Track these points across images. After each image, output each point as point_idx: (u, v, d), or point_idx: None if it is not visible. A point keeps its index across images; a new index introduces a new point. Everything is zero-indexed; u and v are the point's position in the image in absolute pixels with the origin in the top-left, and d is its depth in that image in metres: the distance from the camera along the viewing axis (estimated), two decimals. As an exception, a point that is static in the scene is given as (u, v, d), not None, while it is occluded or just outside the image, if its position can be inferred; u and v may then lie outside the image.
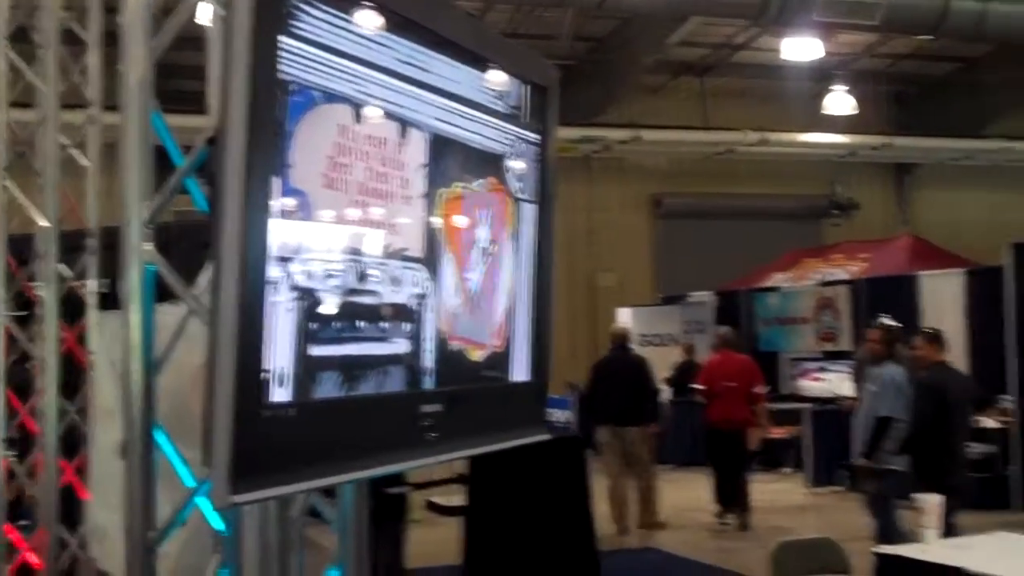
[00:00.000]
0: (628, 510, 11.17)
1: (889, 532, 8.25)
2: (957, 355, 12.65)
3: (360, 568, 3.02)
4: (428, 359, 2.88)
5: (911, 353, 8.88)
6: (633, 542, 10.58)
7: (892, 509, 8.45)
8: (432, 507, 8.78)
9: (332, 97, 2.47)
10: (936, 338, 9.25)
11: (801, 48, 15.17)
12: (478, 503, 8.00)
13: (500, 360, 3.24)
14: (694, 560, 9.94)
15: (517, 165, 3.23)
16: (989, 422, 11.98)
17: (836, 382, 14.23)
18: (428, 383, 2.88)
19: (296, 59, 2.35)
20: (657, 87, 19.23)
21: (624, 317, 17.44)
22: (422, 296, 2.82)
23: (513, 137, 3.21)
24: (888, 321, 9.52)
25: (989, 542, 6.06)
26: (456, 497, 8.28)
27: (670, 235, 20.14)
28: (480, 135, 3.05)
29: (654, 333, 17.32)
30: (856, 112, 18.17)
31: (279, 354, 2.37)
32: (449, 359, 2.96)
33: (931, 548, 5.71)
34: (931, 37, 15.98)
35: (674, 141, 18.91)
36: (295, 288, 2.42)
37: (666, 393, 14.81)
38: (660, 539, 10.80)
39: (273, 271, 2.34)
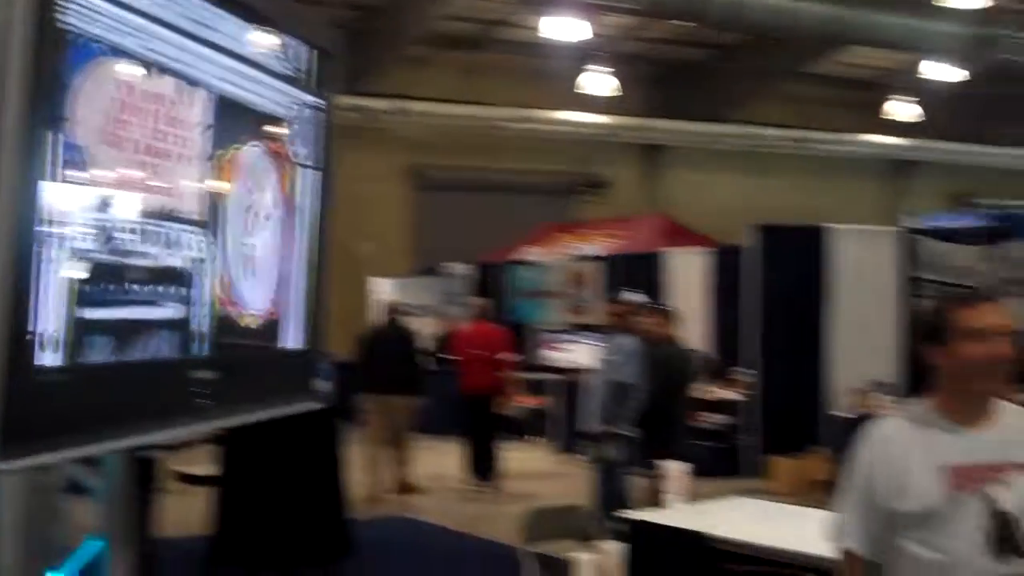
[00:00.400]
0: (385, 479, 11.27)
1: (617, 498, 8.65)
2: (699, 330, 13.27)
3: (125, 539, 2.94)
4: (202, 324, 2.81)
5: (645, 327, 9.29)
6: (388, 510, 10.62)
7: (621, 475, 8.87)
8: (182, 477, 8.57)
9: (116, 51, 2.37)
10: (669, 314, 9.75)
11: (566, 28, 15.44)
12: (230, 472, 7.87)
13: (274, 327, 3.20)
14: (446, 527, 10.07)
15: (301, 130, 3.19)
16: (725, 394, 12.59)
17: (582, 353, 14.62)
18: (201, 349, 2.82)
19: (78, 9, 2.25)
20: (424, 59, 19.23)
21: (381, 287, 17.44)
22: (199, 260, 2.75)
23: (298, 101, 3.16)
24: (631, 295, 9.92)
25: (727, 507, 6.35)
26: (204, 466, 8.12)
27: (430, 206, 20.21)
28: (265, 97, 2.99)
29: (411, 304, 17.37)
30: (617, 93, 18.66)
31: (50, 316, 2.28)
32: (223, 325, 2.90)
33: (675, 513, 5.96)
34: (691, 23, 16.58)
35: (437, 114, 18.98)
36: (68, 248, 2.33)
37: (427, 364, 14.94)
38: (413, 507, 10.89)
39: (46, 230, 2.24)
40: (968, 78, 19.23)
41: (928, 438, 3.05)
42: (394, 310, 12.07)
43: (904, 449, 3.05)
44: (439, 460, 12.57)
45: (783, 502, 7.05)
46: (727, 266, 13.37)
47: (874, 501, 3.05)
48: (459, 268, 18.04)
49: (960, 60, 18.32)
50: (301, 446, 7.81)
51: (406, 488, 11.40)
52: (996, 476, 2.97)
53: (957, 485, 2.96)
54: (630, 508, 7.05)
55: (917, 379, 11.11)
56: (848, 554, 3.11)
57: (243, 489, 7.78)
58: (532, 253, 18.01)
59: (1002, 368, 3.01)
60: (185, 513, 8.03)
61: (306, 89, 3.22)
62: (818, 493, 10.22)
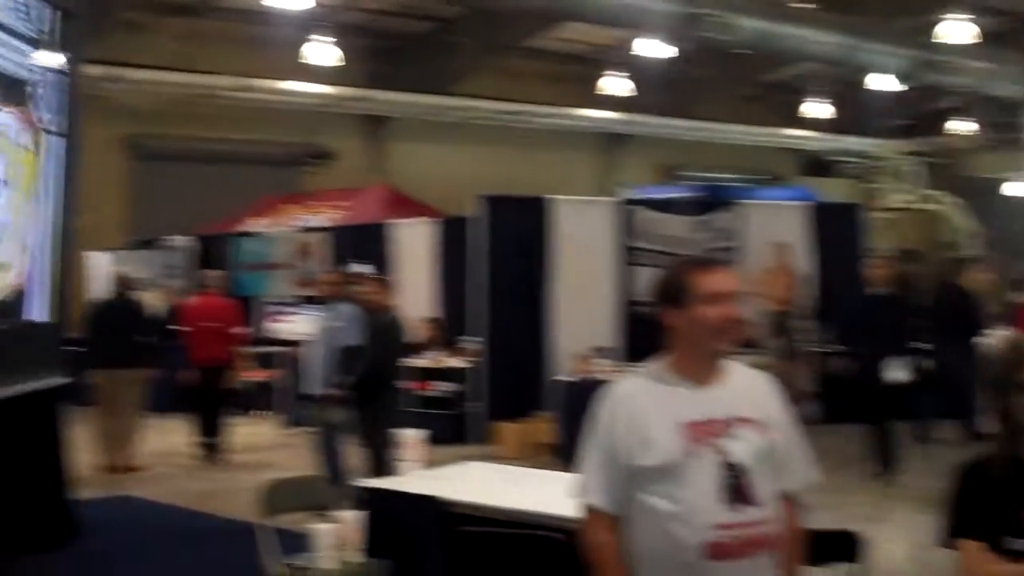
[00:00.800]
0: (113, 456, 10.96)
1: (341, 462, 8.86)
2: (427, 300, 13.45)
3: None
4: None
5: (363, 296, 9.46)
6: (114, 489, 10.27)
7: (343, 440, 9.06)
8: None
9: None
10: (386, 283, 9.97)
11: (289, -4, 15.21)
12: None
13: (19, 298, 3.07)
14: (174, 505, 9.83)
15: (46, 94, 3.06)
16: (453, 362, 12.80)
17: (307, 325, 14.52)
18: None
19: None
20: (142, 24, 18.50)
21: (98, 261, 16.77)
22: (-59, 230, 2.62)
23: (42, 64, 3.03)
24: (358, 267, 10.06)
25: (460, 472, 6.45)
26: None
27: (149, 177, 19.54)
28: (8, 60, 2.86)
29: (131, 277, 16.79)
30: (340, 64, 18.50)
31: None
32: (-34, 297, 2.77)
33: (411, 479, 6.03)
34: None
35: (156, 81, 18.31)
36: None
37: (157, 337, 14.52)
38: (139, 485, 10.58)
39: None
40: (676, 55, 20.08)
41: (665, 396, 3.21)
42: (123, 282, 11.68)
43: (643, 407, 3.20)
44: (167, 437, 12.27)
45: (511, 466, 7.22)
46: (453, 236, 13.56)
47: (616, 457, 3.19)
48: (179, 240, 17.55)
49: (669, 37, 19.10)
50: (19, 427, 7.45)
51: (133, 467, 11.09)
52: (727, 430, 3.18)
53: (693, 440, 3.15)
54: (354, 472, 7.09)
55: (636, 343, 11.64)
56: (591, 510, 3.25)
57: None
58: (256, 225, 17.72)
59: (733, 329, 3.22)
60: None
61: (50, 51, 3.09)
62: (543, 456, 10.59)
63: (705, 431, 3.15)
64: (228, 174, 19.78)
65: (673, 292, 3.23)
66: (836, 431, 11.06)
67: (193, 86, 18.64)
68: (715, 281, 3.22)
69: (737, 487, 3.13)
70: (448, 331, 13.20)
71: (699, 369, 3.23)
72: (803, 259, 13.63)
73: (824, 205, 15.85)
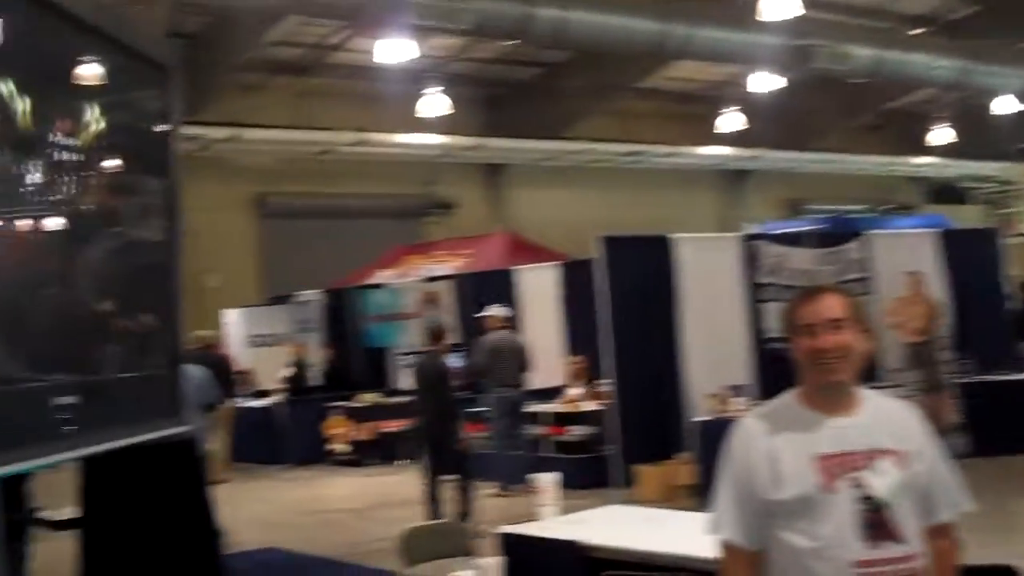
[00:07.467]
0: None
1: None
2: (554, 343, 13.40)
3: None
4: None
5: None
6: (251, 542, 10.40)
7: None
8: (41, 523, 8.25)
9: None
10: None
11: (396, 50, 15.44)
12: (93, 514, 7.58)
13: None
14: (317, 555, 9.93)
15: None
16: (588, 405, 12.67)
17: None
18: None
19: None
20: (255, 85, 19.00)
21: (232, 318, 17.16)
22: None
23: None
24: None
25: (601, 516, 6.40)
26: (67, 510, 7.82)
27: (275, 234, 19.98)
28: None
29: (264, 333, 17.15)
30: (451, 113, 18.71)
31: None
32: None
33: (550, 524, 5.99)
34: (516, 42, 16.77)
35: (275, 140, 18.76)
36: None
37: (282, 393, 14.82)
38: (279, 538, 10.70)
39: None
40: (787, 88, 19.84)
41: (796, 429, 3.09)
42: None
43: (775, 440, 3.09)
44: (305, 490, 12.39)
45: (652, 508, 7.12)
46: (577, 279, 13.48)
47: (749, 492, 3.09)
48: (310, 295, 17.86)
49: (783, 71, 18.93)
50: (166, 482, 7.58)
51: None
52: (864, 463, 3.07)
53: (828, 473, 3.04)
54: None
55: (770, 380, 11.38)
56: (727, 545, 3.17)
57: (109, 530, 7.51)
58: (383, 276, 17.94)
59: (839, 358, 3.09)
60: (51, 560, 7.74)
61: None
62: (684, 497, 10.42)
63: (841, 464, 3.04)
64: (352, 228, 20.11)
65: (785, 324, 3.19)
66: (987, 464, 10.66)
67: (311, 143, 19.04)
68: (807, 310, 3.12)
69: (878, 523, 3.03)
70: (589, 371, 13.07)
71: (826, 400, 3.12)
72: (937, 288, 13.28)
73: (954, 231, 15.44)
